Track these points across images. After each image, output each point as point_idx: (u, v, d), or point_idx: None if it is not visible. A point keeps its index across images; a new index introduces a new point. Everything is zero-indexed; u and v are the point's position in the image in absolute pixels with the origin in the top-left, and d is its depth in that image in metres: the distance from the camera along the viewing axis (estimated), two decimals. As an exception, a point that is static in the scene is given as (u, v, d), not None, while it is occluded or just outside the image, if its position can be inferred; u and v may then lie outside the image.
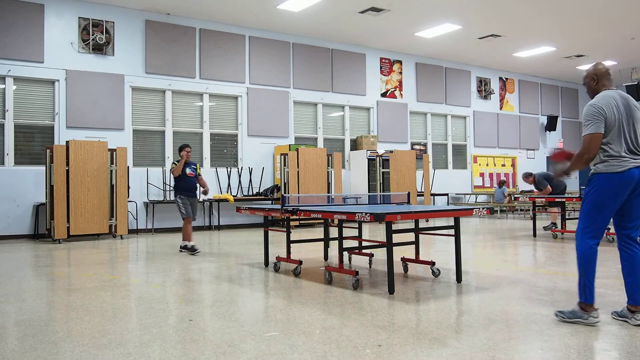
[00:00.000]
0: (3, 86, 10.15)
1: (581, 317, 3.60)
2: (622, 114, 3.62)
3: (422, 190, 14.45)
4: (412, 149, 15.34)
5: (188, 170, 7.92)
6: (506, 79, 18.03)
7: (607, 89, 3.73)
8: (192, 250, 7.65)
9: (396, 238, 4.86)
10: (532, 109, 18.70)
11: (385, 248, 4.83)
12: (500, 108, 17.82)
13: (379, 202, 7.90)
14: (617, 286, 5.05)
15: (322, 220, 6.81)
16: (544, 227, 10.81)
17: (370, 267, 6.33)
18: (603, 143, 3.60)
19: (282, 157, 12.39)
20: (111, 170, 10.02)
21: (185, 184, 7.94)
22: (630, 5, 11.67)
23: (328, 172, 12.61)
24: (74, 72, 10.63)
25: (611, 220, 3.76)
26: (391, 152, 13.73)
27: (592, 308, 3.61)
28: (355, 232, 6.74)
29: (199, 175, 8.12)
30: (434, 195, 15.00)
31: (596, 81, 3.78)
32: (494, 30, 13.42)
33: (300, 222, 11.46)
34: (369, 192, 13.06)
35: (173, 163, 8.06)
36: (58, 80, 10.55)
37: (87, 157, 9.71)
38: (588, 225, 3.64)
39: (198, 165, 8.23)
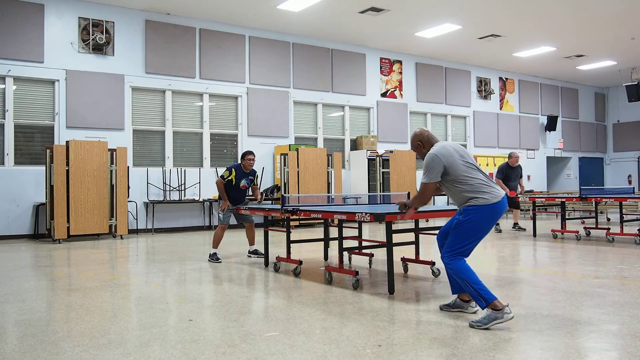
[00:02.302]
0: (3, 86, 10.15)
1: (497, 317, 3.62)
2: (459, 157, 3.97)
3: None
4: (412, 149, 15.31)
5: (243, 182, 7.13)
6: (506, 79, 18.03)
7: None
8: (214, 258, 6.97)
9: (396, 238, 4.87)
10: (532, 109, 18.70)
11: (385, 248, 4.83)
12: (500, 108, 17.82)
13: (379, 202, 7.89)
14: (617, 286, 5.06)
15: (322, 220, 6.81)
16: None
17: (370, 267, 6.33)
18: (463, 180, 3.90)
19: (282, 157, 12.39)
20: (111, 170, 10.02)
21: (233, 193, 7.14)
22: (630, 5, 11.66)
23: (328, 172, 12.61)
24: (74, 72, 10.63)
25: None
26: (391, 152, 13.73)
27: (501, 304, 3.64)
28: (355, 232, 6.74)
29: (255, 184, 7.38)
30: (433, 195, 14.96)
31: (423, 146, 4.18)
32: (494, 30, 13.42)
33: (300, 222, 11.46)
34: (369, 192, 13.06)
35: (224, 172, 7.14)
36: (58, 80, 10.54)
37: (87, 157, 9.71)
38: (459, 247, 3.88)
39: (257, 175, 7.44)
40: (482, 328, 3.61)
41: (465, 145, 16.97)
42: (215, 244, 7.11)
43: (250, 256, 7.33)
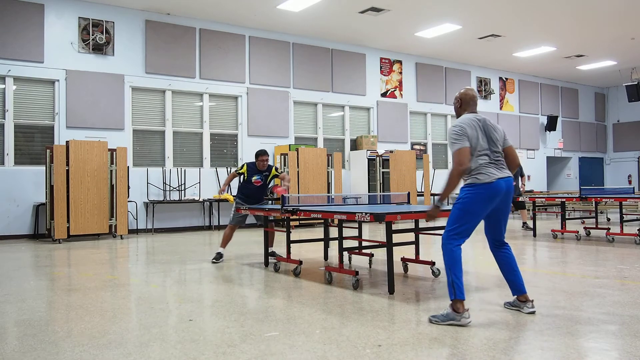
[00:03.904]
0: (3, 86, 10.15)
1: (454, 318, 3.67)
2: (481, 133, 3.97)
3: (422, 190, 14.45)
4: (412, 149, 15.34)
5: (255, 178, 7.07)
6: (506, 79, 18.03)
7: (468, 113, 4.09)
8: (216, 257, 6.93)
9: (396, 238, 4.86)
10: (532, 109, 18.70)
11: (385, 248, 4.83)
12: (500, 108, 17.82)
13: (379, 202, 7.89)
14: (617, 286, 5.06)
15: (322, 220, 6.81)
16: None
17: (370, 267, 6.33)
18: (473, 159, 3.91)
19: (282, 157, 12.40)
20: (111, 170, 10.02)
21: (246, 190, 7.13)
22: (630, 5, 11.67)
23: (328, 172, 12.61)
24: (74, 72, 10.63)
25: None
26: (391, 152, 13.73)
27: (464, 308, 3.69)
28: (355, 232, 6.74)
29: (276, 175, 7.20)
30: (434, 195, 14.97)
31: (460, 104, 4.15)
32: (494, 30, 13.42)
33: (300, 222, 11.46)
34: (369, 192, 13.06)
35: (239, 168, 7.21)
36: (58, 80, 10.55)
37: (87, 157, 9.71)
38: (455, 228, 3.88)
39: (274, 169, 7.20)
40: (437, 324, 3.69)
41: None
42: (223, 244, 7.06)
43: (272, 257, 6.97)
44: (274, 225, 7.12)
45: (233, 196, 7.40)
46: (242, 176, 7.17)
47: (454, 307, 3.69)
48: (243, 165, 7.18)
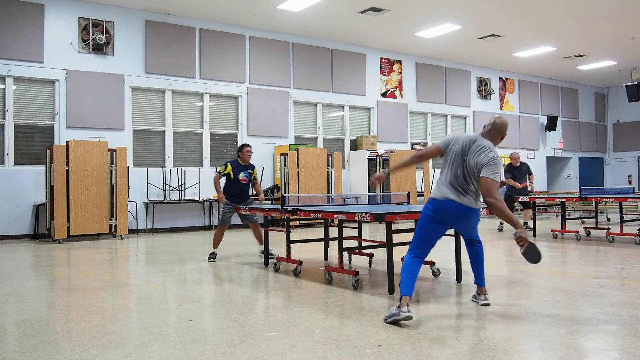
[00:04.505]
0: (3, 86, 10.15)
1: (395, 314, 3.71)
2: (457, 152, 4.07)
3: (422, 190, 14.45)
4: (412, 149, 15.34)
5: (241, 175, 7.08)
6: (506, 79, 18.03)
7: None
8: (210, 257, 7.04)
9: (396, 238, 4.86)
10: (532, 109, 18.70)
11: (385, 248, 4.83)
12: (500, 108, 17.82)
13: (379, 202, 7.89)
14: (617, 286, 5.06)
15: (322, 220, 6.80)
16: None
17: (370, 267, 6.33)
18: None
19: (282, 157, 12.40)
20: (111, 170, 10.02)
21: (233, 189, 7.11)
22: (630, 5, 11.66)
23: (328, 172, 12.61)
24: (74, 72, 10.63)
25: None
26: (391, 152, 13.74)
27: (404, 303, 3.71)
28: (355, 232, 6.75)
29: (255, 179, 7.30)
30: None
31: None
32: (494, 30, 13.42)
33: (300, 222, 11.46)
34: (369, 192, 13.06)
35: (221, 167, 7.16)
36: (58, 80, 10.54)
37: (87, 157, 9.71)
38: (413, 240, 4.10)
39: (256, 169, 7.34)
40: (386, 322, 3.75)
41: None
42: (215, 244, 7.15)
43: (261, 256, 7.10)
44: (258, 223, 7.26)
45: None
46: (227, 176, 7.11)
47: (398, 304, 3.75)
48: (226, 165, 7.09)
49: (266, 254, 6.64)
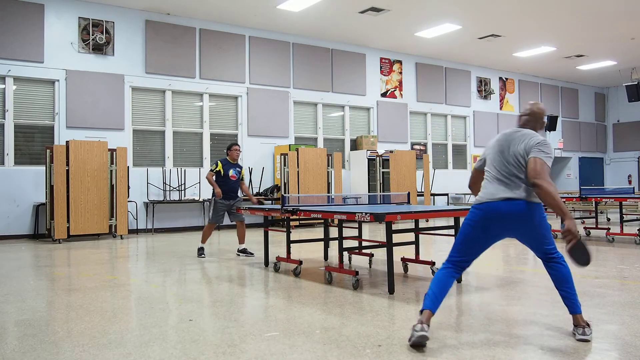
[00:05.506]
0: (3, 86, 10.15)
1: (411, 334, 3.20)
2: (496, 151, 3.64)
3: (422, 190, 14.44)
4: (412, 149, 15.34)
5: (231, 172, 7.33)
6: (506, 79, 18.03)
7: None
8: (199, 253, 7.34)
9: (396, 238, 4.86)
10: (532, 109, 18.66)
11: (385, 248, 4.83)
12: (500, 108, 17.82)
13: (379, 202, 7.89)
14: (617, 286, 5.06)
15: (322, 220, 6.81)
16: None
17: (370, 267, 6.33)
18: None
19: (282, 157, 12.39)
20: (111, 170, 10.02)
21: (225, 186, 7.32)
22: (630, 5, 11.66)
23: (328, 172, 12.61)
24: (74, 72, 10.63)
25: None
26: (391, 152, 13.73)
27: (419, 320, 3.22)
28: (355, 232, 6.74)
29: (242, 180, 7.53)
30: (434, 195, 14.99)
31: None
32: (494, 30, 13.42)
33: (300, 222, 11.46)
34: (369, 192, 13.06)
35: (212, 165, 7.47)
36: (58, 80, 10.54)
37: (87, 157, 9.71)
38: (452, 249, 3.55)
39: (244, 169, 7.62)
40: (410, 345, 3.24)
41: (464, 146, 16.97)
42: (203, 240, 7.45)
43: (239, 255, 7.44)
44: (244, 221, 7.47)
45: (214, 196, 7.45)
46: (217, 174, 7.39)
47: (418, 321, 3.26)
48: (217, 163, 7.40)
49: (266, 253, 6.64)
